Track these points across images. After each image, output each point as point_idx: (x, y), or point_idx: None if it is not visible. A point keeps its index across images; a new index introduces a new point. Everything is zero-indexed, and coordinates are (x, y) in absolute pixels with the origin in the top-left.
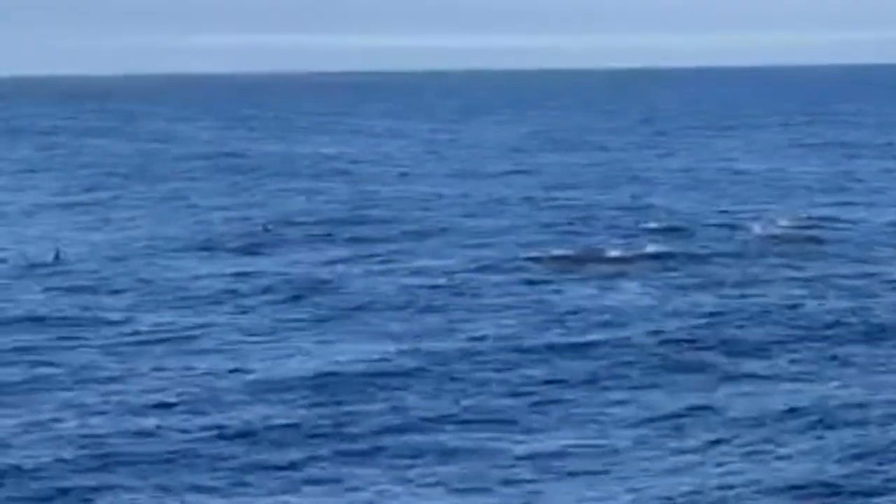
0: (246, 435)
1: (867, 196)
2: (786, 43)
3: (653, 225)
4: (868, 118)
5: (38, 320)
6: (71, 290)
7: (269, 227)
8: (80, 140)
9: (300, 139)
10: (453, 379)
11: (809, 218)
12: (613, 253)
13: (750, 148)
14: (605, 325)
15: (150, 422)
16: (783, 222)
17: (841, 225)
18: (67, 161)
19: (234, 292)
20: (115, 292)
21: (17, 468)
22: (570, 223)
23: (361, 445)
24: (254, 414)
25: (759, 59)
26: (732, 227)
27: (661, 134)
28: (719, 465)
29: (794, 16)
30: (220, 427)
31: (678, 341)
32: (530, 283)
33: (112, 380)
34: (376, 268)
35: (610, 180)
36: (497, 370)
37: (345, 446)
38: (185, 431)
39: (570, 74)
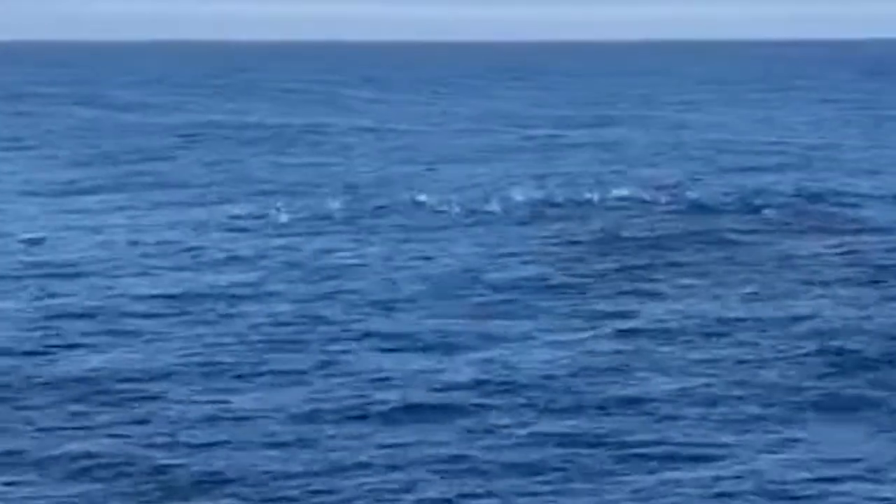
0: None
1: (863, 167)
2: (734, 17)
3: (670, 203)
4: (836, 93)
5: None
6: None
7: None
8: (52, 108)
9: (274, 109)
10: (531, 396)
11: (819, 191)
12: (641, 234)
13: (726, 121)
14: (692, 332)
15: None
16: (792, 193)
17: (854, 199)
18: (45, 134)
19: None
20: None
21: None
22: (578, 202)
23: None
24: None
25: (708, 32)
26: (746, 200)
27: (626, 108)
28: None
29: None
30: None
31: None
32: (578, 275)
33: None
34: (396, 256)
35: (595, 156)
36: (587, 388)
37: (420, 475)
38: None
39: (525, 48)
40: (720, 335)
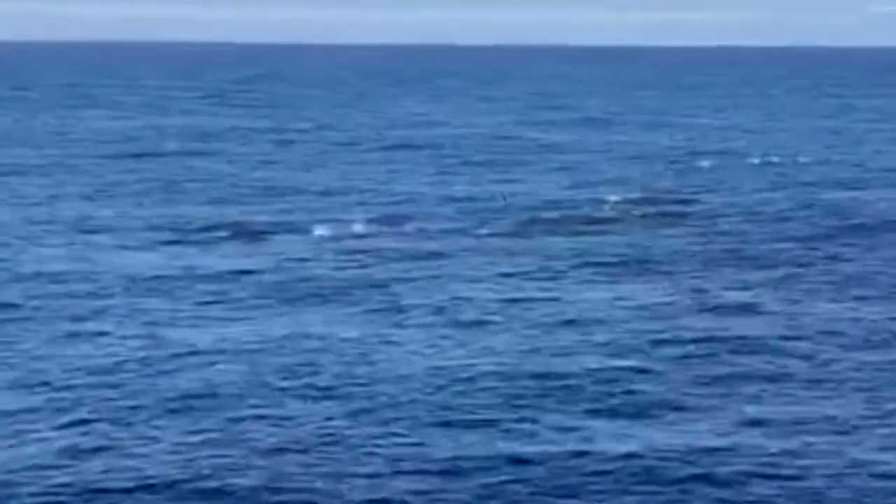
0: None
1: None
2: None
3: (692, 215)
4: (738, 97)
5: None
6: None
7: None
8: None
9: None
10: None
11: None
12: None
13: (671, 125)
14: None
15: None
16: (785, 201)
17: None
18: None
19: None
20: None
21: None
22: (581, 212)
23: None
24: None
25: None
26: (755, 208)
27: (557, 114)
28: None
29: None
30: None
31: None
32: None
33: None
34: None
35: (558, 166)
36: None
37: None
38: None
39: (431, 50)
40: None
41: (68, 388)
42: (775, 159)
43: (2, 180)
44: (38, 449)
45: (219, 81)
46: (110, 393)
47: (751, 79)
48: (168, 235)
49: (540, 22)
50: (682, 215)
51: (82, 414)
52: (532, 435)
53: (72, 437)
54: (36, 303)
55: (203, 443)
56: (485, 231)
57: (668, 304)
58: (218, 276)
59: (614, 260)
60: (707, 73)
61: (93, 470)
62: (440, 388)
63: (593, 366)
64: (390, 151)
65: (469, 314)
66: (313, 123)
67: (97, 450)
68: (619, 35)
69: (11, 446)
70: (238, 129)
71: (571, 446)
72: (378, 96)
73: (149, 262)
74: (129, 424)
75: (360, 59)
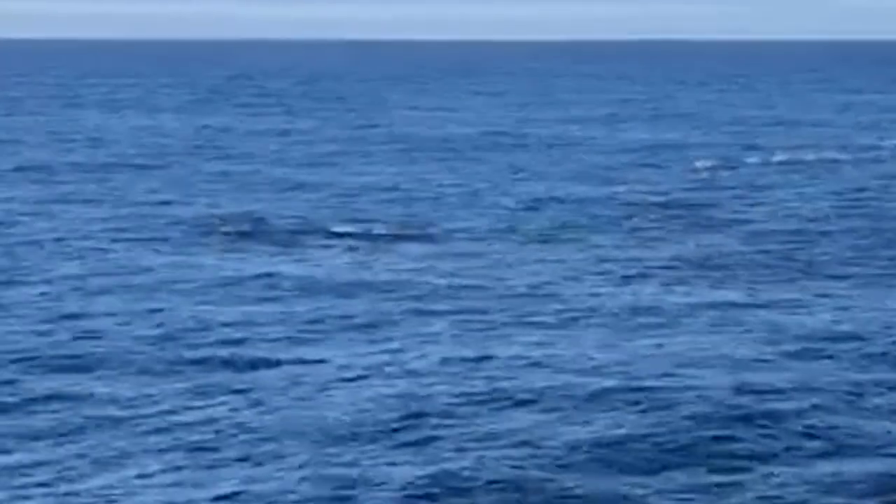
0: None
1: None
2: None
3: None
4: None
5: None
6: None
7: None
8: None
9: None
10: None
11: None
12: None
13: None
14: None
15: None
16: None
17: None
18: None
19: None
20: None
21: None
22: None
23: None
24: None
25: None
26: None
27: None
28: None
29: None
30: None
31: None
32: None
33: None
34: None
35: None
36: None
37: None
38: None
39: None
40: None
41: (183, 422)
42: (794, 157)
43: (6, 181)
44: (189, 495)
45: (214, 79)
46: (239, 425)
47: (746, 73)
48: (196, 237)
49: (538, 19)
50: (722, 218)
51: (223, 451)
52: (751, 448)
53: (222, 481)
54: (98, 321)
55: (351, 480)
56: (518, 236)
57: (763, 306)
58: (286, 282)
59: (675, 264)
60: (700, 67)
61: None
62: (617, 398)
63: (743, 374)
64: (398, 150)
65: (571, 320)
66: (320, 121)
67: (253, 495)
68: (613, 30)
69: (150, 486)
70: (240, 128)
71: (791, 464)
72: (381, 93)
73: (193, 266)
74: (277, 457)
75: (361, 55)
